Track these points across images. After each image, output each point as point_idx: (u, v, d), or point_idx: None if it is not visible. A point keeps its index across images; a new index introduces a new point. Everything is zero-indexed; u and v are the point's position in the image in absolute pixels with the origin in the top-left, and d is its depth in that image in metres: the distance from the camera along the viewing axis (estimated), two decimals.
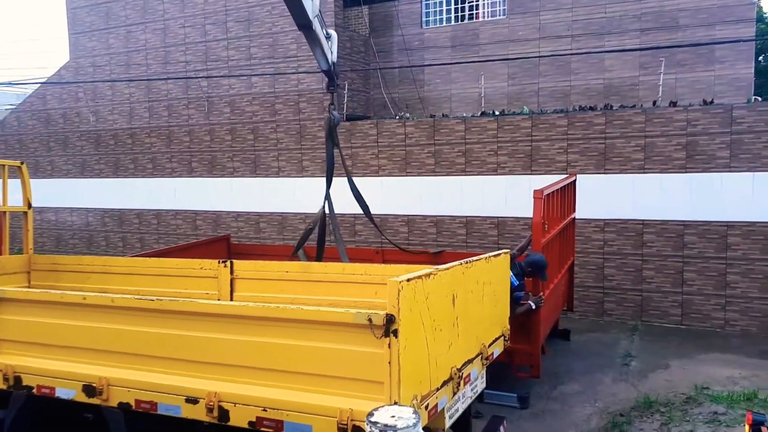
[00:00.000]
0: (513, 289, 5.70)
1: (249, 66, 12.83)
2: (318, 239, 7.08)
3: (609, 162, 9.64)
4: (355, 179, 7.64)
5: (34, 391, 4.15)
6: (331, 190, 6.76)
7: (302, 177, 12.16)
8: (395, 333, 3.14)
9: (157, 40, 13.89)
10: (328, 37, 6.75)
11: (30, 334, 4.24)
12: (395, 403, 3.16)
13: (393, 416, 2.40)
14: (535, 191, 6.49)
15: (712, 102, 9.48)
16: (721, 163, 8.96)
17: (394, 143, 11.25)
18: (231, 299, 5.88)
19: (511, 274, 5.67)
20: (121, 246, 14.65)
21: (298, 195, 12.04)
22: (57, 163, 15.52)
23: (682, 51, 10.71)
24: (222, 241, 9.52)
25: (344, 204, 7.32)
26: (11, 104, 20.61)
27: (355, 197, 7.01)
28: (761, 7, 20.68)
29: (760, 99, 9.55)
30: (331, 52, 6.82)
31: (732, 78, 10.59)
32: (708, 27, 10.62)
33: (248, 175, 12.86)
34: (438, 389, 3.65)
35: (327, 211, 6.83)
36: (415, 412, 2.47)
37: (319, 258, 7.11)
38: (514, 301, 5.75)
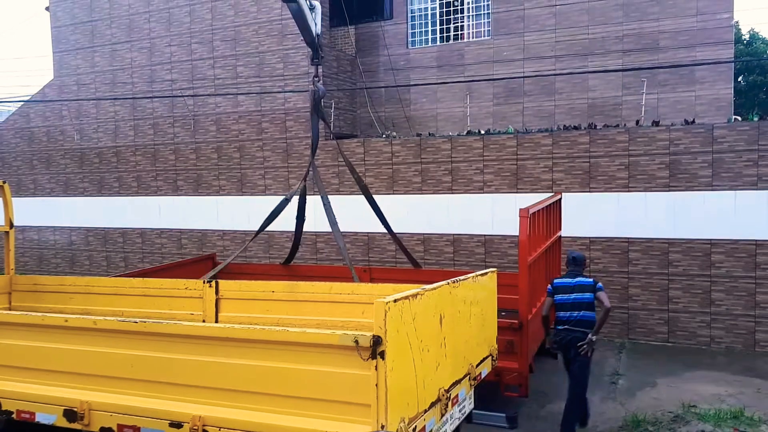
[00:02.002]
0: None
1: (235, 84, 12.85)
2: (297, 216, 7.83)
3: (594, 180, 9.74)
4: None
5: (14, 416, 4.06)
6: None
7: (288, 195, 12.10)
8: (382, 355, 3.12)
9: (143, 58, 13.88)
10: (312, 8, 6.85)
11: (10, 357, 4.15)
12: (382, 427, 3.13)
13: None
14: (520, 210, 6.52)
15: (693, 122, 9.64)
16: (704, 181, 9.09)
17: (380, 161, 11.28)
18: (216, 319, 5.82)
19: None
20: (105, 265, 14.46)
21: (285, 213, 11.97)
22: (40, 182, 15.36)
23: (663, 72, 10.91)
24: (207, 260, 9.45)
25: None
26: None
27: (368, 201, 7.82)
28: (739, 29, 21.21)
29: (740, 119, 9.73)
30: (315, 24, 6.96)
31: (712, 98, 10.79)
32: (688, 48, 10.85)
33: (234, 194, 12.81)
34: (426, 411, 3.63)
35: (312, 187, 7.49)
36: None
37: (298, 233, 8.22)
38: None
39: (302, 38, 7.23)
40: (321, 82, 7.32)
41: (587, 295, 6.06)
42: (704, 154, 9.07)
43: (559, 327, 6.15)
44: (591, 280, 6.19)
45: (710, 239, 9.10)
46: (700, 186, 9.12)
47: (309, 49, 7.75)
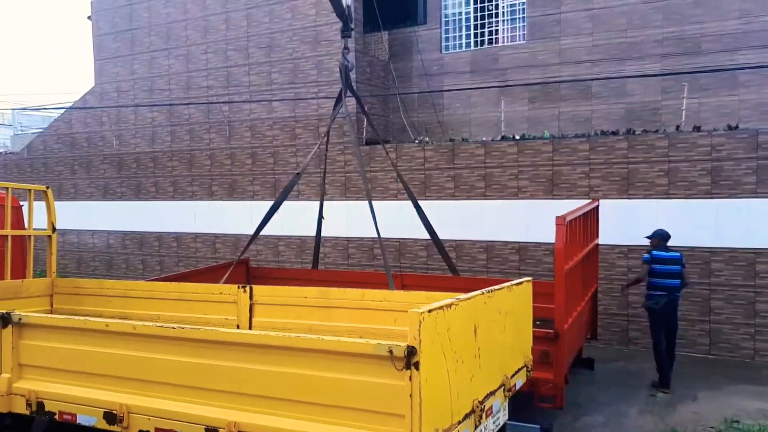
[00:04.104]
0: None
1: (270, 91, 13.01)
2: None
3: (632, 187, 9.52)
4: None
5: (56, 417, 4.15)
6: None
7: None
8: (416, 365, 3.08)
9: (180, 65, 14.17)
10: None
11: (52, 359, 4.25)
12: None
13: None
14: (557, 218, 6.41)
15: (737, 127, 9.35)
16: (748, 188, 8.80)
17: (413, 167, 11.25)
18: (250, 324, 5.86)
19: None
20: (141, 269, 14.77)
21: (310, 220, 12.07)
22: (80, 186, 15.80)
23: (705, 75, 10.61)
24: (241, 264, 9.54)
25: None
26: (39, 128, 21.11)
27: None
28: None
29: None
30: None
31: (757, 102, 10.45)
32: (731, 52, 10.53)
33: (268, 199, 12.93)
34: (459, 422, 3.57)
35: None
36: None
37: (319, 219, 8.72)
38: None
39: (333, 12, 7.45)
40: (351, 54, 7.52)
41: (678, 267, 7.73)
42: (748, 160, 8.78)
43: (658, 292, 7.70)
44: (679, 254, 7.82)
45: (755, 248, 8.79)
46: (743, 193, 8.83)
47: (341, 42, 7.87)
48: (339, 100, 8.34)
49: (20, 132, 22.65)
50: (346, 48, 7.62)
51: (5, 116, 26.58)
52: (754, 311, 8.82)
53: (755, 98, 10.45)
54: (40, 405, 4.20)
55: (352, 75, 8.86)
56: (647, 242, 8.23)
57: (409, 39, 13.34)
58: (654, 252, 7.80)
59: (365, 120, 11.75)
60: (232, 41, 13.44)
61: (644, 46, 11.20)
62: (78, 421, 4.06)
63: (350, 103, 9.44)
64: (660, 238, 7.93)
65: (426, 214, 8.56)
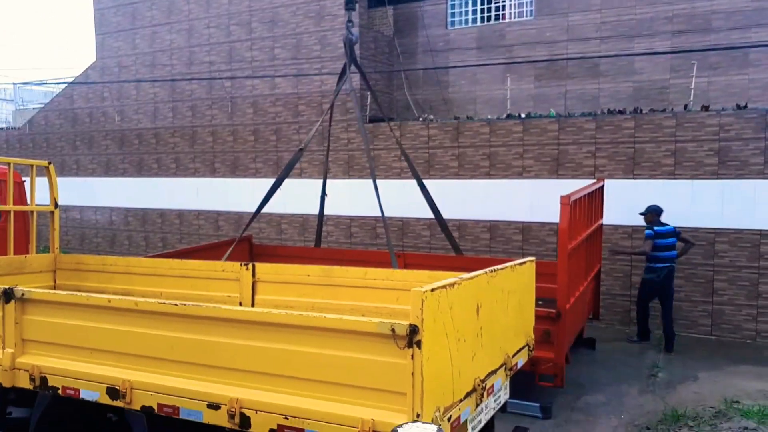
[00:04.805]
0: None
1: (272, 67, 12.87)
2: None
3: (638, 167, 9.44)
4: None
5: (60, 391, 4.17)
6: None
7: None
8: (419, 344, 3.07)
9: (182, 40, 14.02)
10: None
11: (55, 335, 4.26)
12: (418, 416, 3.10)
13: None
14: (561, 197, 6.37)
15: (746, 106, 9.23)
16: (755, 169, 8.71)
17: (417, 145, 11.17)
18: (252, 302, 5.87)
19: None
20: (144, 245, 14.81)
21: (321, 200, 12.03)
22: (82, 162, 15.76)
23: (715, 54, 10.44)
24: (244, 241, 9.55)
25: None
26: (40, 103, 21.01)
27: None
28: None
29: None
30: None
31: (767, 82, 10.29)
32: (742, 30, 10.34)
33: (271, 176, 12.87)
34: (461, 401, 3.58)
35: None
36: (439, 430, 2.41)
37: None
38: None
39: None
40: (355, 28, 7.49)
41: (674, 239, 8.38)
42: (756, 140, 8.68)
43: (659, 265, 8.30)
44: (673, 227, 8.39)
45: (760, 229, 8.75)
46: (750, 174, 8.75)
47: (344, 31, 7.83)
48: (343, 74, 8.25)
49: (22, 107, 22.55)
50: (350, 21, 7.56)
51: (6, 91, 26.45)
52: (757, 293, 8.80)
53: (765, 77, 10.30)
54: (44, 380, 4.21)
55: (357, 50, 8.77)
56: (667, 230, 8.31)
57: (414, 14, 13.15)
58: (657, 228, 8.29)
59: (369, 97, 11.63)
60: (234, 15, 13.26)
61: (654, 23, 11.01)
62: (81, 396, 4.08)
63: (354, 78, 9.35)
64: (654, 213, 8.42)
65: (429, 193, 8.52)
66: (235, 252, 8.26)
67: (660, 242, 8.26)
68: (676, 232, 8.41)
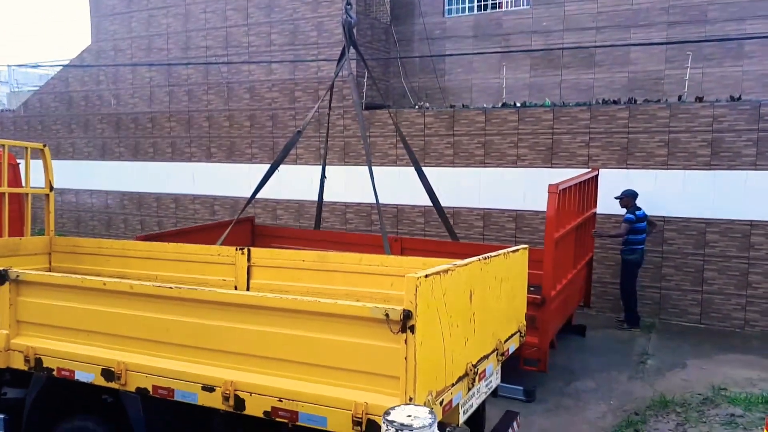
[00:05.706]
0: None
1: (269, 52, 12.81)
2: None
3: (631, 157, 9.49)
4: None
5: (54, 373, 4.21)
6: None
7: (320, 165, 12.12)
8: (412, 329, 3.12)
9: (178, 24, 13.91)
10: None
11: (50, 317, 4.29)
12: (410, 399, 3.15)
13: (409, 416, 2.40)
14: (550, 185, 6.42)
15: (739, 98, 9.27)
16: (747, 160, 8.78)
17: (412, 133, 11.18)
18: (248, 286, 5.91)
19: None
20: (140, 229, 14.79)
21: (316, 183, 12.02)
22: (78, 145, 15.69)
23: (710, 45, 10.46)
24: (246, 222, 9.62)
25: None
26: (35, 86, 20.83)
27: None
28: None
29: None
30: None
31: (761, 74, 10.33)
32: (738, 21, 10.36)
33: (266, 162, 12.86)
34: (453, 385, 3.64)
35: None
36: (431, 413, 2.46)
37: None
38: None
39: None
40: (354, 10, 7.47)
41: (645, 223, 8.79)
42: (749, 132, 8.74)
43: (639, 247, 8.76)
44: (643, 211, 8.77)
45: (750, 220, 8.83)
46: (743, 165, 8.81)
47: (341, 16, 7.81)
48: (342, 56, 8.22)
49: (16, 89, 22.35)
50: (348, 3, 7.49)
51: (1, 73, 26.20)
52: (746, 282, 8.90)
53: (759, 69, 10.34)
54: (39, 361, 4.25)
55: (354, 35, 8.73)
56: (647, 212, 8.36)
57: (411, 1, 13.09)
58: (639, 212, 8.67)
59: (365, 84, 11.62)
60: (231, 1, 13.16)
61: (650, 13, 11.00)
62: (76, 378, 4.12)
63: (352, 64, 9.32)
64: (632, 197, 8.75)
65: (427, 179, 8.55)
66: (237, 232, 8.29)
67: (639, 226, 8.65)
68: (647, 216, 8.82)
